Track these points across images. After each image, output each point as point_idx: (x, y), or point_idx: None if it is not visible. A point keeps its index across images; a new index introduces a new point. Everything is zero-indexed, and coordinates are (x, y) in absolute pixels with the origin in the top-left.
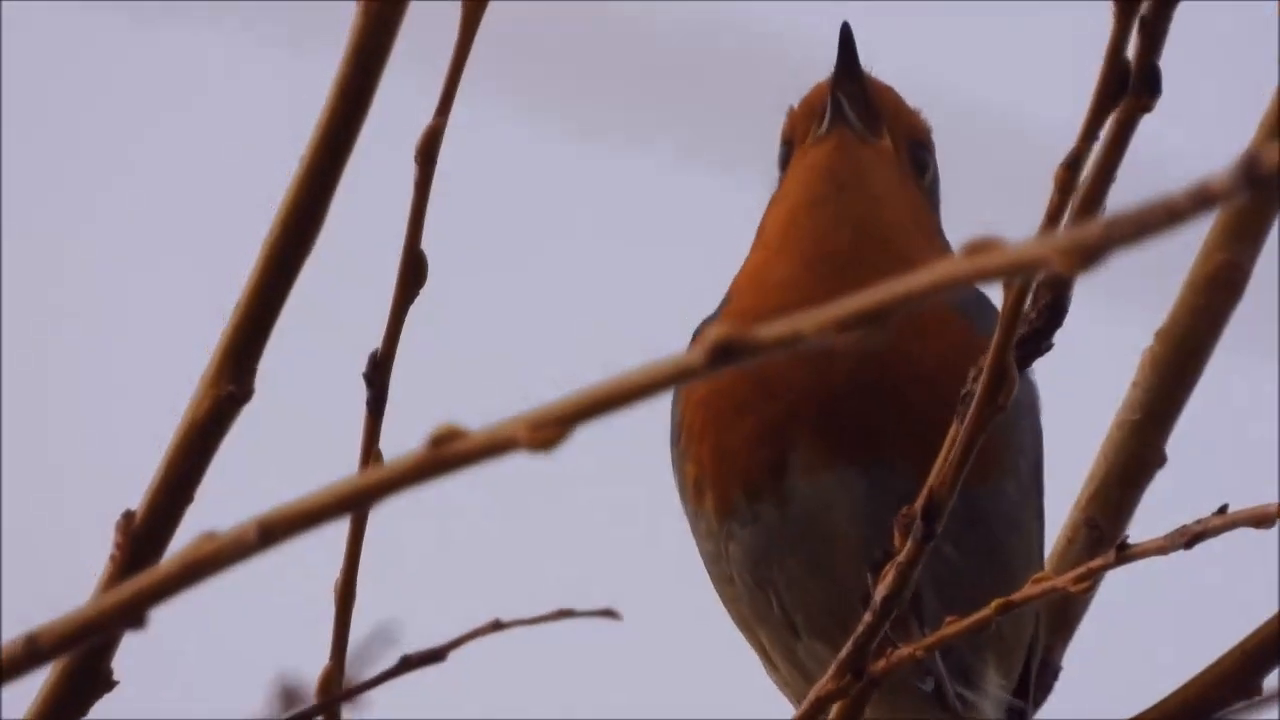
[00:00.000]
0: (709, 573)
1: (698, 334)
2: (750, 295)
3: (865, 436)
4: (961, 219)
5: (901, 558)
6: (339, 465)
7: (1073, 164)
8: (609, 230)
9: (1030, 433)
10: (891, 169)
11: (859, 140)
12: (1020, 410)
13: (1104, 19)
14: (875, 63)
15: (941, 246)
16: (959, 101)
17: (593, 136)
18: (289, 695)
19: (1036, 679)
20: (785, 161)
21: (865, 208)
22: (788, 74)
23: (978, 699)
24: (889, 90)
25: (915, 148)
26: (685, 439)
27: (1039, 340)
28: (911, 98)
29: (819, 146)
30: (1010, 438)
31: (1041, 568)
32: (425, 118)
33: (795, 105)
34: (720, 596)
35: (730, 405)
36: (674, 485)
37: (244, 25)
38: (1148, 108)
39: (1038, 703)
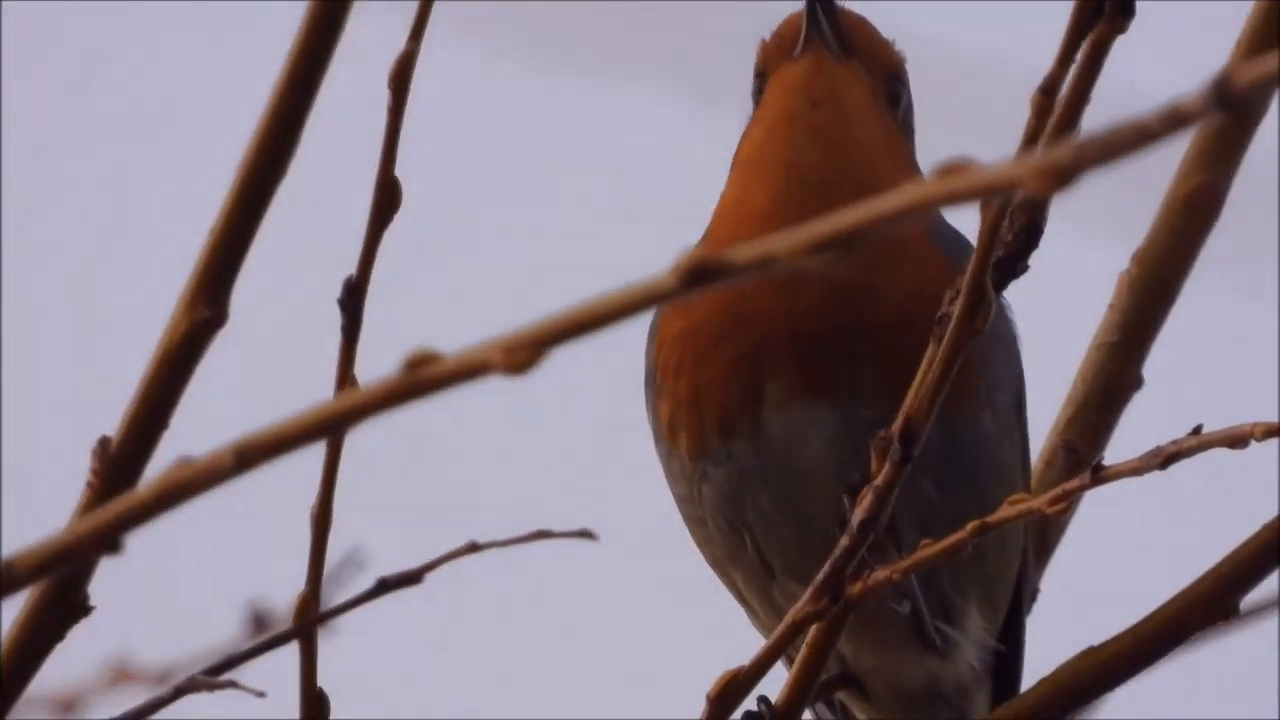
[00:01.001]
0: (681, 514)
1: None
2: (727, 224)
3: (840, 370)
4: (934, 154)
5: (879, 481)
6: (314, 391)
7: (1049, 89)
8: (587, 162)
9: (1007, 366)
10: (865, 88)
11: (834, 59)
12: (996, 344)
13: None
14: None
15: (914, 176)
16: (932, 35)
17: (569, 67)
18: (262, 620)
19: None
20: (758, 94)
21: (839, 125)
22: (762, 7)
23: (958, 636)
24: (863, 22)
25: (889, 80)
26: (661, 376)
27: (1015, 263)
28: (885, 30)
29: (794, 65)
30: (985, 370)
31: None
32: (399, 45)
33: (767, 37)
34: (693, 538)
35: (705, 340)
36: (648, 426)
37: None
38: (1122, 29)
39: None
